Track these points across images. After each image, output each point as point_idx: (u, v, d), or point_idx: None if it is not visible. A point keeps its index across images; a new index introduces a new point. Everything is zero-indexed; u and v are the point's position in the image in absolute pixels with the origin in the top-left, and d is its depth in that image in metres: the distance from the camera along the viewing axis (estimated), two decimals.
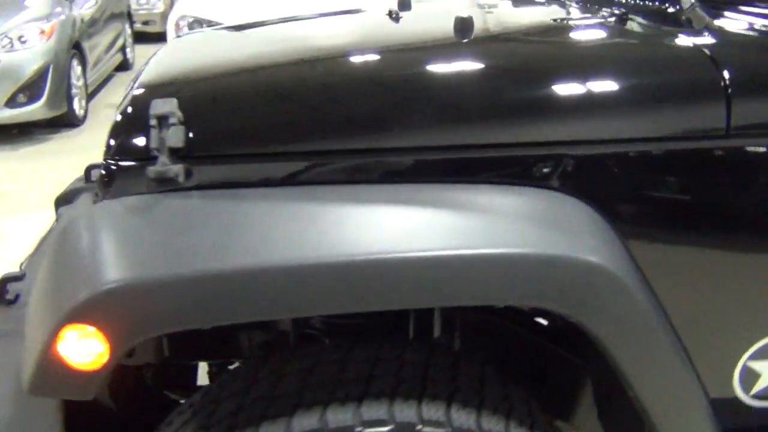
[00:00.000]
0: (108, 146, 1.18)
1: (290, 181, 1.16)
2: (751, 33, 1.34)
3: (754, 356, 1.32)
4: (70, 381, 0.99)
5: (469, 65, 1.28)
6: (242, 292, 0.97)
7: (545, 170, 1.16)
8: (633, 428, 1.29)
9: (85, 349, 0.98)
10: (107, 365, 0.98)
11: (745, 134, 1.16)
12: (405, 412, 1.04)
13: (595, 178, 1.17)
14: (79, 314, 0.96)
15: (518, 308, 1.50)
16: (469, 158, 1.14)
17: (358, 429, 1.02)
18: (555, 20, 1.63)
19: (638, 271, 1.12)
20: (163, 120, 1.12)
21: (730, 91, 1.14)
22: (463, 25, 1.37)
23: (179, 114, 1.12)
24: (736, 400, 1.34)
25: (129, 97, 1.24)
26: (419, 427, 1.03)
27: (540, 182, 1.16)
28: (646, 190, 1.19)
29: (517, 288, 1.04)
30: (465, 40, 1.39)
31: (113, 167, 1.17)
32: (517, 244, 1.05)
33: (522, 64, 1.29)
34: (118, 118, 1.20)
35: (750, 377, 1.33)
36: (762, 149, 1.18)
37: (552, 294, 1.04)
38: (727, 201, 1.21)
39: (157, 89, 1.23)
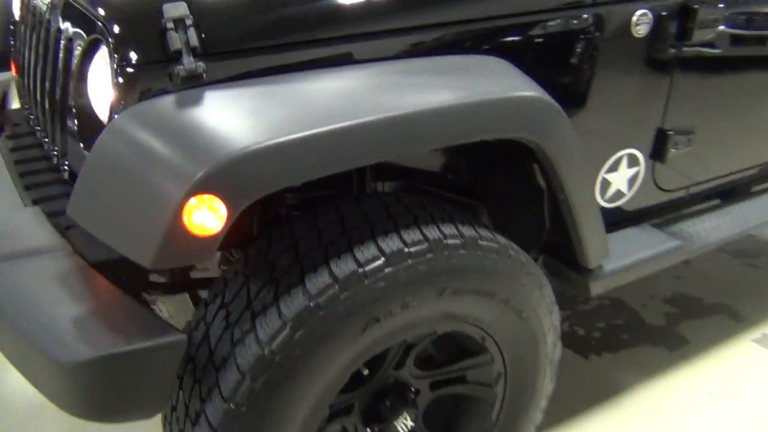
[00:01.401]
0: (123, 53, 1.24)
1: (299, 67, 1.34)
2: None
3: (607, 170, 1.85)
4: (193, 248, 1.10)
5: None
6: (329, 147, 1.16)
7: (484, 41, 1.51)
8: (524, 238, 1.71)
9: (206, 216, 1.09)
10: (225, 228, 1.11)
11: (606, 3, 1.63)
12: (391, 243, 1.31)
13: (514, 44, 1.54)
14: (203, 185, 1.06)
15: (429, 171, 1.86)
16: (443, 34, 1.44)
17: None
18: None
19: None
20: (179, 23, 1.22)
21: None
22: None
23: (191, 16, 1.23)
24: (596, 204, 1.86)
25: (137, 5, 1.28)
26: (407, 249, 1.31)
27: (481, 50, 1.50)
28: (543, 50, 1.60)
29: (496, 125, 1.38)
30: None
31: (134, 71, 1.23)
32: (489, 93, 1.39)
33: None
34: (128, 24, 1.26)
35: (605, 186, 1.86)
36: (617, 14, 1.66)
37: (521, 125, 1.40)
38: (590, 54, 1.67)
39: None
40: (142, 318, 1.20)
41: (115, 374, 1.14)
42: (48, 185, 1.64)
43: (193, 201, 1.07)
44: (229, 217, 1.11)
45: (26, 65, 1.76)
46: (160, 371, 1.16)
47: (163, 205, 1.08)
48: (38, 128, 1.73)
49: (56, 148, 1.56)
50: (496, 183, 1.84)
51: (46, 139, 1.65)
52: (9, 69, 2.26)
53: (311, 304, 1.23)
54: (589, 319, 2.71)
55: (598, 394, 2.30)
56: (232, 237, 1.44)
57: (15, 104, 2.25)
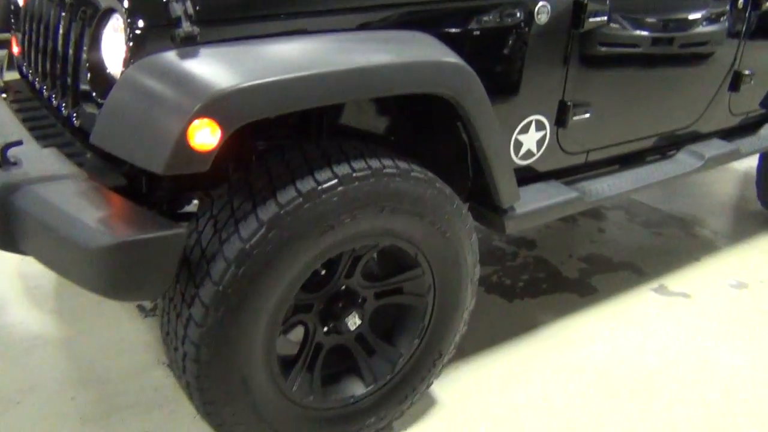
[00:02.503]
0: (134, 20, 1.61)
1: (273, 34, 1.73)
2: None
3: (519, 132, 2.29)
4: (194, 160, 1.48)
5: None
6: (305, 89, 1.56)
7: (416, 19, 1.93)
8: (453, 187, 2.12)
9: (204, 136, 1.48)
10: (218, 146, 1.49)
11: None
12: (343, 169, 1.69)
13: (440, 24, 1.96)
14: (202, 111, 1.44)
15: (375, 134, 2.27)
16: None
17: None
18: None
19: None
20: None
21: None
22: None
23: None
24: (513, 162, 2.30)
25: None
26: (354, 174, 1.69)
27: (413, 27, 1.92)
28: (464, 30, 2.02)
29: (422, 81, 1.79)
30: None
31: (143, 34, 1.61)
32: (417, 56, 1.80)
33: None
34: None
35: (518, 146, 2.30)
36: None
37: (442, 83, 1.82)
38: (502, 35, 2.10)
39: None
40: (151, 217, 1.58)
41: (132, 258, 1.51)
42: (55, 136, 1.99)
43: (195, 123, 1.46)
44: (222, 137, 1.49)
45: (38, 35, 2.10)
46: (165, 257, 1.54)
47: (173, 126, 1.46)
48: (44, 90, 2.07)
49: (64, 104, 1.92)
50: (430, 143, 2.26)
51: (54, 99, 2.00)
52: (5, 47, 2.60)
53: (281, 211, 1.62)
54: (515, 273, 3.15)
55: (520, 329, 2.73)
56: (209, 181, 1.83)
57: (6, 76, 2.58)
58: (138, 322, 2.62)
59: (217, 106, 1.47)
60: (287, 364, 1.89)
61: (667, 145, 2.92)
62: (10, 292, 2.76)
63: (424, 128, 2.23)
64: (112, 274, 1.51)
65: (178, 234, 1.54)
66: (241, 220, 1.63)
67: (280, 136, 2.10)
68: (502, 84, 2.17)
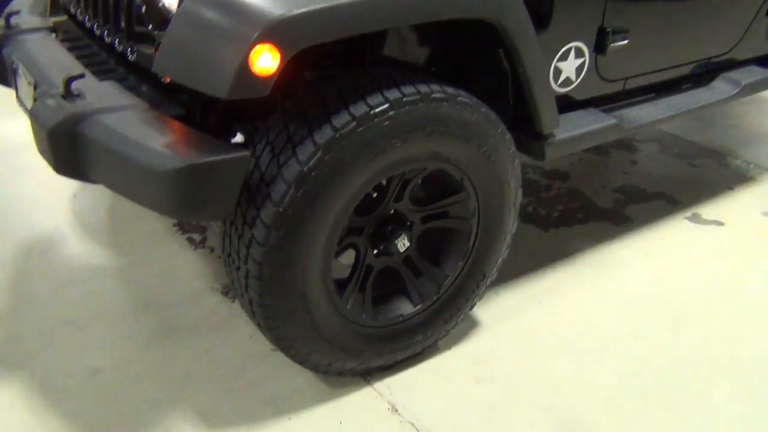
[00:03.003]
0: None
1: None
2: None
3: (559, 59, 2.32)
4: (256, 84, 1.55)
5: None
6: (359, 14, 1.61)
7: None
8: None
9: (265, 60, 1.54)
10: (278, 70, 1.56)
11: None
12: (394, 94, 1.75)
13: None
14: (264, 35, 1.50)
15: (416, 63, 2.32)
16: None
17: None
18: None
19: None
20: None
21: None
22: None
23: None
24: (552, 90, 2.34)
25: None
26: (404, 98, 1.75)
27: None
28: None
29: (469, 4, 1.83)
30: None
31: None
32: None
33: None
34: None
35: (557, 73, 2.33)
36: None
37: (487, 6, 1.85)
38: None
39: None
40: (215, 142, 1.66)
41: (200, 180, 1.60)
42: (109, 72, 2.07)
43: (257, 47, 1.52)
44: (281, 62, 1.56)
45: None
46: (231, 178, 1.63)
47: (236, 51, 1.52)
48: (96, 27, 2.12)
49: (118, 40, 1.99)
50: (471, 72, 2.30)
51: (107, 35, 2.06)
52: None
53: (336, 135, 1.69)
54: (550, 204, 3.21)
55: (556, 255, 2.81)
56: (257, 113, 1.90)
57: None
58: (189, 253, 2.74)
59: (277, 30, 1.53)
60: (341, 284, 1.99)
61: (704, 73, 2.93)
62: (66, 228, 2.88)
63: (464, 58, 2.27)
64: (182, 195, 1.61)
65: (244, 156, 1.62)
66: (298, 144, 1.71)
67: (325, 67, 2.16)
68: (543, 10, 2.19)
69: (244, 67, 1.53)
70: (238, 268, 1.82)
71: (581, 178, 3.47)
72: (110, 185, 1.76)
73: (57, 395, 2.06)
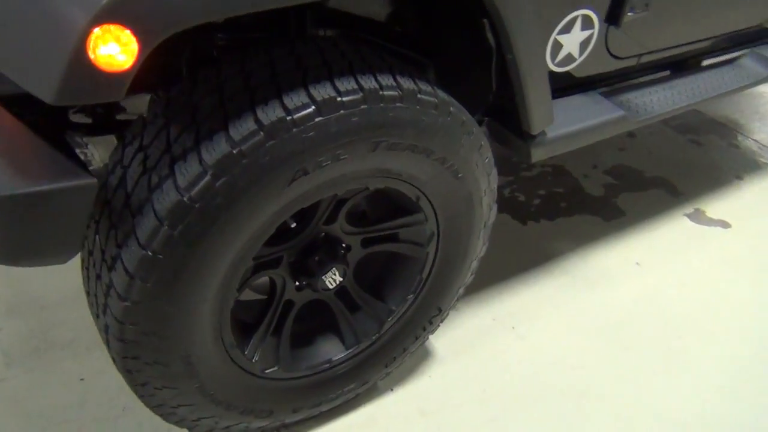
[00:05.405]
0: None
1: None
2: None
3: (560, 32, 1.77)
4: (101, 84, 1.00)
5: None
6: None
7: None
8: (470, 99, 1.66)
9: (114, 49, 0.99)
10: (136, 64, 1.01)
11: None
12: (323, 91, 1.22)
13: None
14: (109, 13, 0.95)
15: (376, 22, 1.75)
16: None
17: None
18: None
19: None
20: None
21: None
22: None
23: None
24: (546, 67, 1.80)
25: None
26: (339, 98, 1.22)
27: None
28: None
29: None
30: None
31: None
32: None
33: None
34: None
35: (556, 49, 1.79)
36: None
37: None
38: None
39: None
40: (50, 159, 1.12)
41: (20, 216, 1.07)
42: None
43: (98, 31, 0.96)
44: (140, 52, 1.00)
45: None
46: (68, 215, 1.10)
47: (66, 34, 0.97)
48: None
49: None
50: (446, 39, 1.75)
51: None
52: None
53: (234, 151, 1.16)
54: (530, 186, 2.72)
55: (531, 258, 2.34)
56: (159, 77, 1.35)
57: None
58: None
59: (129, 5, 0.97)
60: (245, 328, 1.51)
61: (731, 47, 2.39)
62: None
63: (437, 17, 1.71)
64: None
65: (85, 186, 1.09)
66: (178, 160, 1.18)
67: (252, 26, 1.58)
68: None
69: (80, 59, 0.97)
70: (97, 316, 1.32)
71: (569, 153, 2.95)
72: None
73: None
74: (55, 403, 1.70)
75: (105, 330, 1.30)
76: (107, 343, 1.32)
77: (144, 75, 1.35)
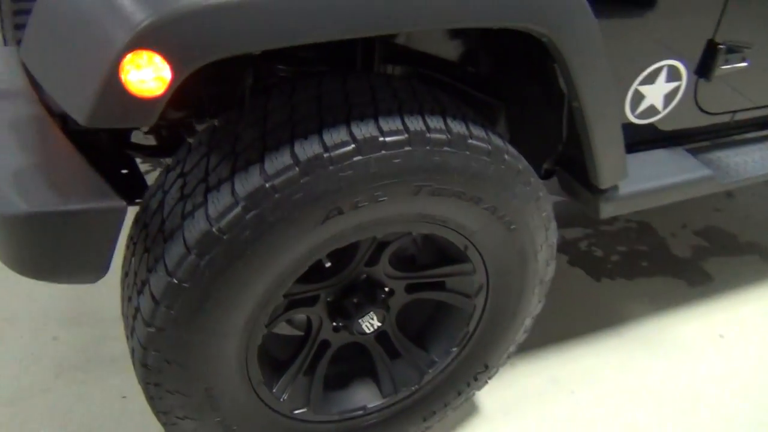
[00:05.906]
0: None
1: None
2: None
3: (642, 82, 1.65)
4: (133, 109, 1.00)
5: None
6: (294, 13, 1.02)
7: None
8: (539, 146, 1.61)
9: (147, 75, 0.99)
10: (168, 91, 1.00)
11: None
12: (366, 129, 1.17)
13: None
14: (142, 39, 0.95)
15: (448, 61, 1.70)
16: None
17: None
18: None
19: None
20: None
21: None
22: None
23: None
24: (625, 119, 1.69)
25: None
26: (381, 138, 1.17)
27: None
28: None
29: (497, 6, 1.20)
30: None
31: None
32: None
33: None
34: None
35: (637, 99, 1.67)
36: None
37: (527, 11, 1.22)
38: None
39: None
40: (86, 179, 1.13)
41: (49, 233, 1.07)
42: None
43: (131, 56, 0.96)
44: (173, 80, 1.00)
45: None
46: (95, 236, 1.10)
47: (101, 57, 0.97)
48: None
49: None
50: (518, 82, 1.67)
51: None
52: None
53: (267, 185, 1.13)
54: (610, 241, 2.56)
55: (602, 319, 2.20)
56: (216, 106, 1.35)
57: None
58: None
59: (164, 32, 0.97)
60: (277, 366, 1.46)
61: None
62: None
63: (512, 61, 1.64)
64: (26, 249, 1.10)
65: (114, 208, 1.09)
66: (212, 189, 1.16)
67: (311, 61, 1.57)
68: (628, 15, 1.53)
69: (113, 83, 0.98)
70: (127, 338, 1.32)
71: (658, 209, 2.78)
72: None
73: None
74: (93, 419, 1.71)
75: (132, 353, 1.29)
76: (134, 366, 1.31)
77: (210, 104, 1.37)
